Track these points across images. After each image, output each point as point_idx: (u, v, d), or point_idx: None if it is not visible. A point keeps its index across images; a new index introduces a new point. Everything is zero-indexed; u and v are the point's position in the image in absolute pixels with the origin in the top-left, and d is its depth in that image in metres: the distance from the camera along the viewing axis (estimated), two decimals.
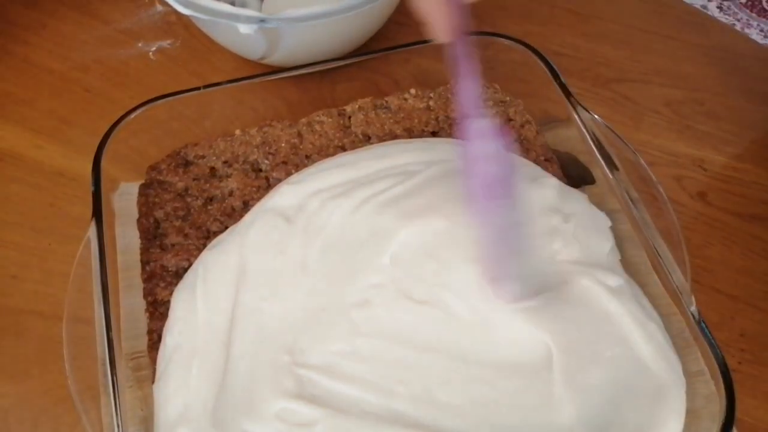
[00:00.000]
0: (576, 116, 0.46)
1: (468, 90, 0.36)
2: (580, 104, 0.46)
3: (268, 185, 0.47)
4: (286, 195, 0.43)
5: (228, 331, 0.39)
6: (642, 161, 0.44)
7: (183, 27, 0.61)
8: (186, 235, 0.44)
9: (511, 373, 0.37)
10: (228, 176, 0.47)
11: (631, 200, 0.42)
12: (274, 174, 0.47)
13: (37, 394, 0.42)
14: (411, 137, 0.50)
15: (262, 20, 0.48)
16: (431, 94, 0.52)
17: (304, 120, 0.50)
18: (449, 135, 0.50)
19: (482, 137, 0.36)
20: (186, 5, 0.49)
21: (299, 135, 0.49)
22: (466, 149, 0.36)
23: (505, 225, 0.37)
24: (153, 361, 0.39)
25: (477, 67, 0.36)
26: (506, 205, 0.36)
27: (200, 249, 0.43)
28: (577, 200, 0.44)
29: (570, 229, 0.42)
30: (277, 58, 0.54)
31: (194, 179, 0.47)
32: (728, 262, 0.48)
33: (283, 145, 0.49)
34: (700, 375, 0.37)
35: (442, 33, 0.37)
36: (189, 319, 0.39)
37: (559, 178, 0.45)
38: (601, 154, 0.44)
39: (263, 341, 0.38)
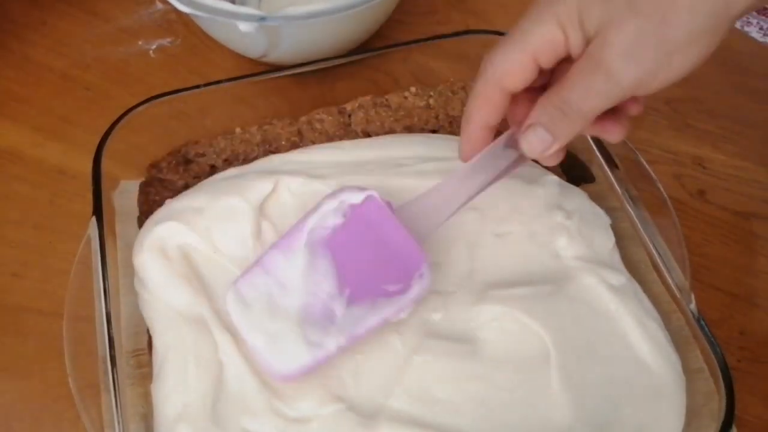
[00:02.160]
0: None
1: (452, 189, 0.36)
2: None
3: None
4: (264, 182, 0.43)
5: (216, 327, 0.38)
6: (642, 159, 0.44)
7: (183, 25, 0.61)
8: None
9: (508, 370, 0.37)
10: None
11: (631, 198, 0.42)
12: None
13: (38, 391, 0.42)
14: None
15: (263, 18, 0.48)
16: (431, 93, 0.52)
17: (304, 118, 0.50)
18: (449, 133, 0.50)
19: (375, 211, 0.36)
20: (186, 3, 0.49)
21: (299, 133, 0.49)
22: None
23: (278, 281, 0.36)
24: None
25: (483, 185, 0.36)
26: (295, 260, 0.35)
27: None
28: (577, 197, 0.44)
29: (574, 225, 0.42)
30: (277, 56, 0.54)
31: (194, 177, 0.47)
32: (728, 260, 0.48)
33: (283, 143, 0.49)
34: (700, 373, 0.38)
35: (467, 139, 0.36)
36: (172, 317, 0.39)
37: (559, 177, 0.45)
38: (600, 153, 0.44)
39: None
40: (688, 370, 0.38)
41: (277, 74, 0.50)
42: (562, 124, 0.32)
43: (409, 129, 0.50)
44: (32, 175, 0.52)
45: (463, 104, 0.51)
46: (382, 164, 0.45)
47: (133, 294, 0.42)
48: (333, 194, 0.37)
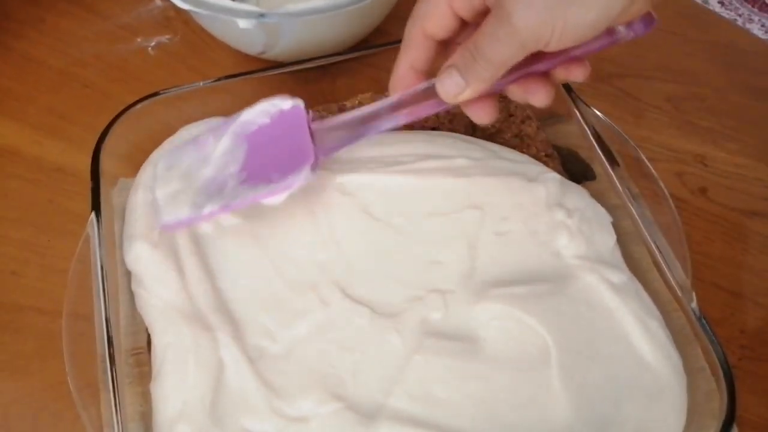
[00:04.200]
0: (577, 112, 0.46)
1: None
2: (581, 100, 0.46)
3: None
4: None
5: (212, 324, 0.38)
6: (643, 157, 0.44)
7: (182, 22, 0.61)
8: None
9: (509, 369, 0.37)
10: None
11: (632, 196, 0.42)
12: None
13: (37, 390, 0.42)
14: None
15: (262, 15, 0.48)
16: None
17: None
18: (449, 130, 0.49)
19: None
20: (185, 0, 0.49)
21: None
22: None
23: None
24: None
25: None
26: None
27: None
28: (578, 195, 0.44)
29: (575, 223, 0.42)
30: (276, 53, 0.54)
31: None
32: (729, 258, 0.48)
33: None
34: (701, 372, 0.37)
35: (397, 76, 0.38)
36: (170, 316, 0.39)
37: (560, 174, 0.45)
38: (601, 150, 0.44)
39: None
40: (689, 369, 0.38)
41: (276, 71, 0.50)
42: (473, 69, 0.33)
43: (409, 126, 0.50)
44: (31, 173, 0.52)
45: None
46: (382, 161, 0.45)
47: (132, 292, 0.41)
48: (268, 98, 0.41)
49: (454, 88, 0.34)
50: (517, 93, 0.36)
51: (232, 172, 0.40)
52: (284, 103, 0.41)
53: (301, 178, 0.38)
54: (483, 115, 0.36)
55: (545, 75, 0.35)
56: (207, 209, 0.39)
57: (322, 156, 0.39)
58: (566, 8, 0.30)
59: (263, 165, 0.40)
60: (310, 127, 0.39)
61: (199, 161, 0.41)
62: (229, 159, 0.40)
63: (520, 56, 0.32)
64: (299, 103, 0.41)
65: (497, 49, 0.32)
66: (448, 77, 0.34)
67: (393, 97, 0.38)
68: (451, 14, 0.34)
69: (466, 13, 0.34)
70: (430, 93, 0.36)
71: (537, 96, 0.36)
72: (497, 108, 0.37)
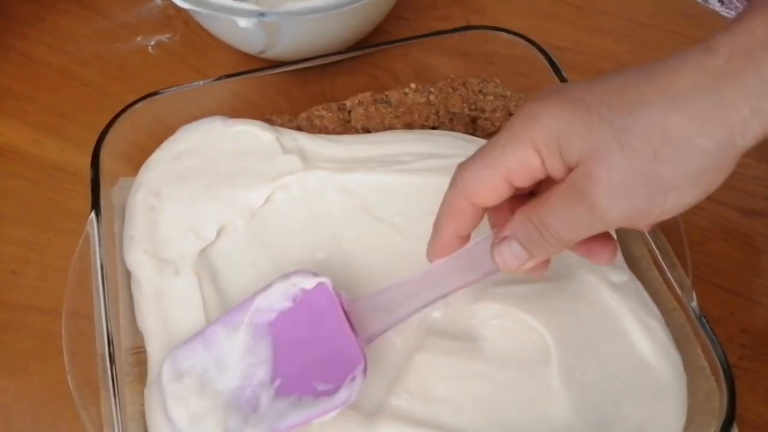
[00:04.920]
0: None
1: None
2: None
3: None
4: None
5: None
6: None
7: (182, 21, 0.61)
8: None
9: (509, 367, 0.37)
10: None
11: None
12: None
13: (37, 389, 0.42)
14: None
15: (262, 14, 0.48)
16: (431, 89, 0.52)
17: (303, 114, 0.50)
18: (449, 129, 0.49)
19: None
20: None
21: (299, 129, 0.49)
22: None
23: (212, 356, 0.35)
24: None
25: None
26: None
27: None
28: None
29: None
30: (276, 52, 0.54)
31: None
32: (729, 258, 0.48)
33: None
34: (701, 371, 0.37)
35: (437, 245, 0.34)
36: (162, 341, 0.39)
37: None
38: None
39: None
40: (689, 368, 0.38)
41: (276, 70, 0.50)
42: (539, 244, 0.30)
43: (409, 125, 0.50)
44: (31, 173, 0.52)
45: (464, 101, 0.51)
46: (382, 160, 0.45)
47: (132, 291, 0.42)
48: (285, 276, 0.36)
49: (515, 261, 0.31)
50: (578, 250, 0.32)
51: (263, 380, 0.34)
52: (306, 282, 0.35)
53: (356, 388, 0.33)
54: (607, 256, 0.32)
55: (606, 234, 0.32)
56: None
57: (365, 345, 0.34)
58: (665, 195, 0.27)
59: (297, 365, 0.34)
60: (344, 311, 0.34)
61: (213, 365, 0.34)
62: (253, 360, 0.34)
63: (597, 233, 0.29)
64: (324, 280, 0.35)
65: (573, 232, 0.29)
66: (509, 249, 0.30)
67: (436, 267, 0.34)
68: (508, 187, 0.30)
69: (525, 184, 0.30)
70: (477, 260, 0.33)
71: (599, 257, 0.32)
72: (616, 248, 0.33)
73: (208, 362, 0.35)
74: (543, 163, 0.29)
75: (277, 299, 0.35)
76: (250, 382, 0.34)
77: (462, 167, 0.32)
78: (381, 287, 0.35)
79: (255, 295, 0.36)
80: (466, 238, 0.34)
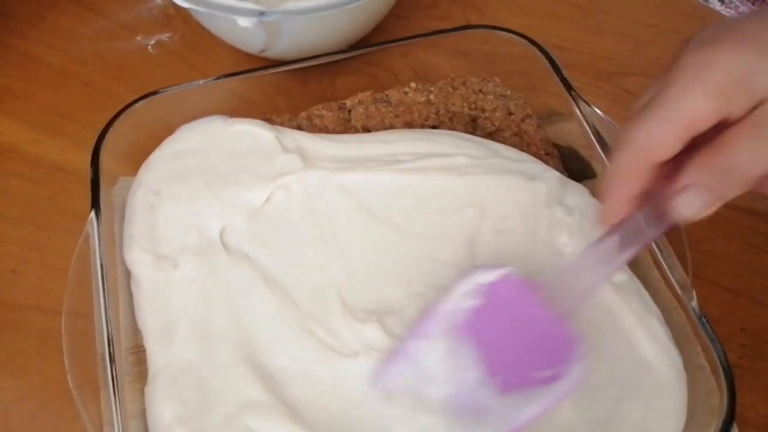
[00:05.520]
0: (577, 110, 0.46)
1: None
2: (582, 98, 0.46)
3: None
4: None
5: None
6: None
7: (182, 20, 0.61)
8: None
9: None
10: None
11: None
12: None
13: (37, 388, 0.42)
14: None
15: (262, 13, 0.48)
16: (431, 88, 0.52)
17: (303, 114, 0.50)
18: (449, 129, 0.49)
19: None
20: None
21: (299, 129, 0.49)
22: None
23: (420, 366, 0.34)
24: None
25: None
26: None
27: None
28: (578, 193, 0.44)
29: (575, 221, 0.42)
30: (276, 51, 0.54)
31: None
32: (729, 257, 0.48)
33: None
34: (701, 370, 0.37)
35: (609, 209, 0.33)
36: (161, 338, 0.39)
37: (560, 172, 0.45)
38: (602, 148, 0.44)
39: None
40: (689, 367, 0.38)
41: (276, 69, 0.50)
42: (726, 186, 0.30)
43: (410, 125, 0.50)
44: (31, 172, 0.52)
45: (464, 100, 0.51)
46: (382, 160, 0.45)
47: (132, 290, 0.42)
48: (466, 275, 0.35)
49: (702, 206, 0.30)
50: (763, 187, 0.32)
51: (477, 380, 0.33)
52: (487, 276, 0.34)
53: (583, 367, 0.32)
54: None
55: None
56: None
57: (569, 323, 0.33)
58: None
59: (509, 358, 0.33)
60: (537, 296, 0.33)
61: (421, 378, 0.33)
62: (461, 364, 0.33)
63: None
64: (509, 271, 0.34)
65: (763, 168, 0.29)
66: (695, 196, 0.30)
67: (614, 233, 0.33)
68: (686, 137, 0.30)
69: (701, 131, 0.30)
70: (653, 218, 0.32)
71: None
72: None
73: (416, 377, 0.34)
74: (722, 107, 0.29)
75: (464, 299, 0.34)
76: (466, 385, 0.33)
77: (632, 127, 0.31)
78: (562, 267, 0.34)
79: (439, 302, 0.34)
80: (641, 197, 0.33)
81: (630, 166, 0.32)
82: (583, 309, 0.34)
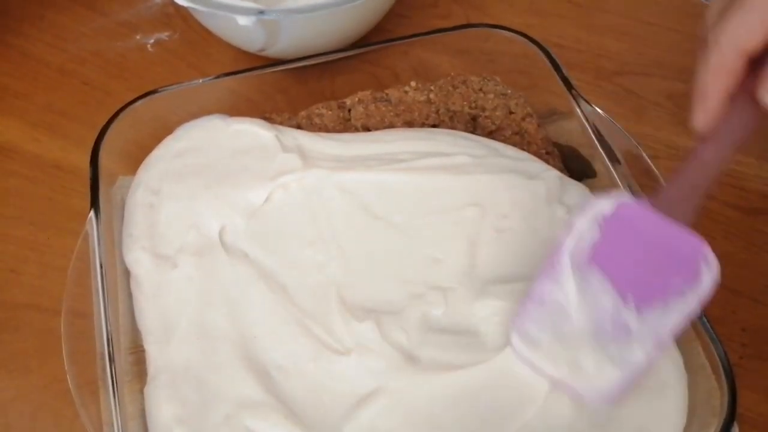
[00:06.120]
0: (577, 109, 0.46)
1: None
2: (582, 97, 0.46)
3: None
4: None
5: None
6: (644, 154, 0.44)
7: (181, 19, 0.61)
8: None
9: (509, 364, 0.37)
10: None
11: (633, 194, 0.42)
12: None
13: (36, 388, 0.42)
14: None
15: (261, 12, 0.48)
16: (431, 87, 0.51)
17: (303, 113, 0.50)
18: (450, 128, 0.49)
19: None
20: None
21: (299, 128, 0.49)
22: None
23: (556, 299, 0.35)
24: None
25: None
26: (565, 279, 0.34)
27: None
28: (579, 192, 0.44)
29: None
30: (276, 50, 0.54)
31: None
32: (730, 256, 0.47)
33: None
34: (702, 370, 0.37)
35: (706, 112, 0.33)
36: (160, 338, 0.39)
37: (560, 171, 0.45)
38: (602, 147, 0.44)
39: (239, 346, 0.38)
40: (689, 367, 0.38)
41: (276, 68, 0.50)
42: None
43: (410, 124, 0.50)
44: (30, 171, 0.52)
45: (464, 99, 0.51)
46: (382, 159, 0.45)
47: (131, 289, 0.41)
48: (582, 212, 0.35)
49: None
50: None
51: (613, 305, 0.34)
52: (605, 206, 0.35)
53: (713, 268, 0.33)
54: None
55: None
56: (638, 356, 0.34)
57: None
58: None
59: (639, 278, 0.34)
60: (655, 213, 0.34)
61: (557, 316, 0.35)
62: (594, 294, 0.34)
63: None
64: (622, 198, 0.35)
65: None
66: None
67: (716, 136, 0.33)
68: None
69: None
70: (743, 116, 0.32)
71: None
72: None
73: (552, 316, 0.35)
74: None
75: (584, 235, 0.35)
76: (604, 313, 0.34)
77: (721, 20, 0.31)
78: (671, 179, 0.34)
79: (561, 241, 0.35)
80: (733, 97, 0.33)
81: (721, 63, 0.31)
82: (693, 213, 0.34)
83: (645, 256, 0.34)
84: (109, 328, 0.37)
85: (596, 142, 0.44)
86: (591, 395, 0.35)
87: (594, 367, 0.34)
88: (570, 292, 0.34)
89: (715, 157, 0.33)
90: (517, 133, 0.49)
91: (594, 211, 0.35)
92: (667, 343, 0.34)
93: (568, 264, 0.34)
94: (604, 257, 0.35)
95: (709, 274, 0.34)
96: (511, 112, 0.50)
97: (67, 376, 0.36)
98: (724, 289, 0.46)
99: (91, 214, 0.41)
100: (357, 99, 0.50)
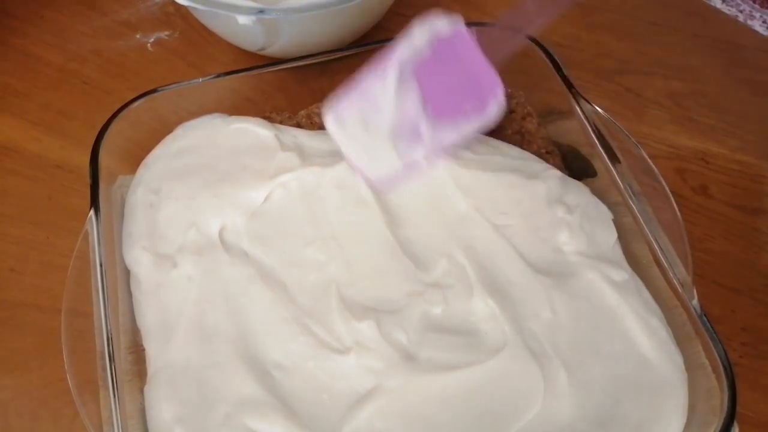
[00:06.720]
0: (578, 108, 0.46)
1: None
2: (582, 96, 0.46)
3: None
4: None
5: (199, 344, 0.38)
6: (644, 154, 0.44)
7: (181, 18, 0.61)
8: None
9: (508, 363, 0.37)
10: None
11: (633, 193, 0.42)
12: None
13: (36, 387, 0.42)
14: None
15: (261, 11, 0.48)
16: None
17: (303, 112, 0.50)
18: None
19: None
20: None
21: (298, 127, 0.49)
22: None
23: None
24: None
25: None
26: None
27: None
28: (579, 192, 0.44)
29: (576, 220, 0.42)
30: (276, 49, 0.54)
31: None
32: (730, 256, 0.48)
33: None
34: (702, 369, 0.37)
35: None
36: (160, 337, 0.39)
37: (561, 171, 0.45)
38: (602, 147, 0.44)
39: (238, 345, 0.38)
40: (690, 366, 0.38)
41: (275, 68, 0.49)
42: None
43: None
44: (30, 170, 0.52)
45: None
46: None
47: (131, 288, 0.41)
48: (422, 26, 0.40)
49: None
50: None
51: (417, 111, 0.40)
52: (440, 26, 0.40)
53: (500, 103, 0.39)
54: None
55: None
56: (419, 156, 0.40)
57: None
58: None
59: (443, 96, 0.40)
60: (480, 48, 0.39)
61: (370, 108, 0.40)
62: (405, 98, 0.40)
63: None
64: (457, 22, 0.40)
65: None
66: None
67: None
68: None
69: None
70: None
71: None
72: None
73: (366, 107, 0.40)
74: None
75: (417, 49, 0.40)
76: (406, 115, 0.40)
77: None
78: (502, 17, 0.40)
79: (395, 46, 0.40)
80: None
81: None
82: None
83: (453, 79, 0.40)
84: (109, 327, 0.37)
85: (596, 141, 0.44)
86: (375, 178, 0.41)
87: (384, 156, 0.40)
88: (389, 92, 0.40)
89: (538, 10, 0.38)
90: (517, 133, 0.49)
91: (433, 29, 0.39)
92: (445, 151, 0.40)
93: (396, 67, 0.39)
94: (425, 70, 0.40)
95: (494, 107, 0.40)
96: (511, 111, 0.50)
97: (67, 375, 0.36)
98: (725, 288, 0.46)
99: (91, 213, 0.41)
100: None
